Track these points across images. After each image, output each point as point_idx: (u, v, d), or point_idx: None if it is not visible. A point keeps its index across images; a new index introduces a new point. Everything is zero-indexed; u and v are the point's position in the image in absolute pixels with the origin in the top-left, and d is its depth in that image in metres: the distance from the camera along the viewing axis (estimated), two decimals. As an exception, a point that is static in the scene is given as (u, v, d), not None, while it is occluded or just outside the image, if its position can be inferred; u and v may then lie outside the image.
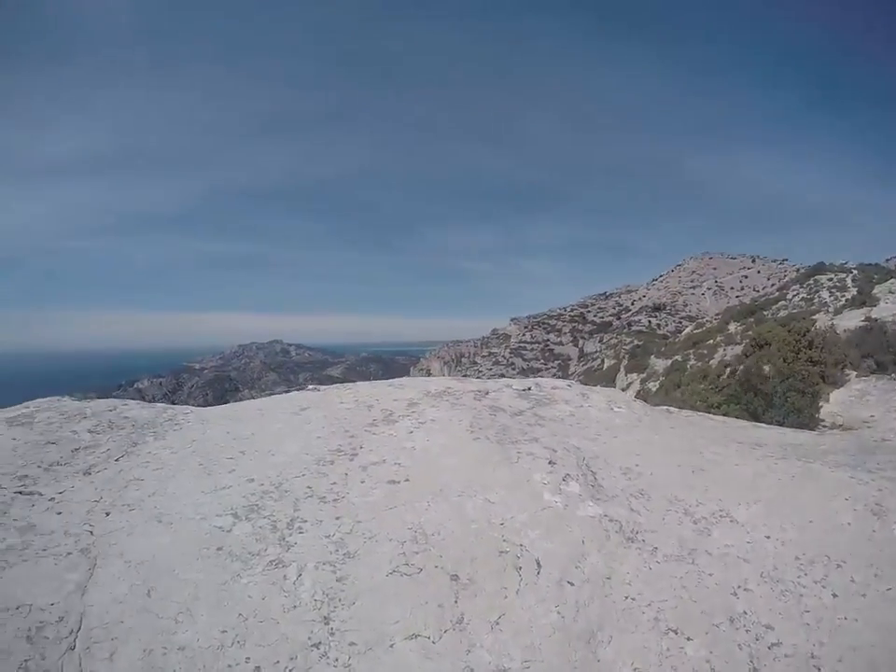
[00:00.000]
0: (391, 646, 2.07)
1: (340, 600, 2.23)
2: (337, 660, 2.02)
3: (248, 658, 2.00)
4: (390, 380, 4.87)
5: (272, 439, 3.58)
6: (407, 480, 3.00)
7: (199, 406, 4.86)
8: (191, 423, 3.94)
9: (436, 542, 2.54)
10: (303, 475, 3.09)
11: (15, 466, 3.16)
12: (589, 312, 79.71)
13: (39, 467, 3.18)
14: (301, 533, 2.60)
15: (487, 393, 4.19)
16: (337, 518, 2.70)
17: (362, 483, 2.99)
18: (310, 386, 4.54)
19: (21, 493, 2.92)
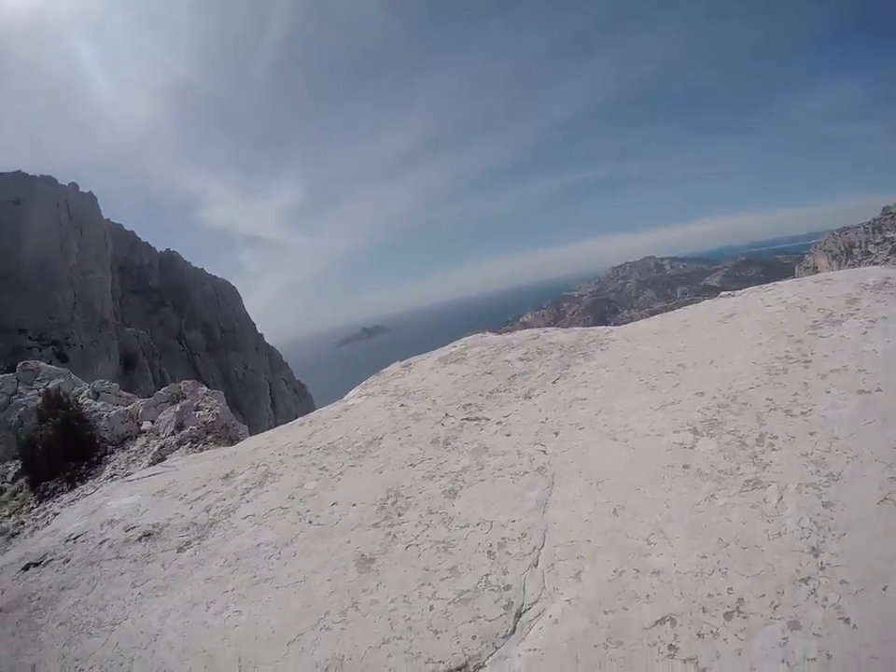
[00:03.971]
0: (884, 588, 1.72)
1: (829, 529, 1.92)
2: (826, 599, 1.71)
3: (731, 588, 1.85)
4: (814, 275, 4.21)
5: (708, 349, 3.39)
6: (878, 389, 2.46)
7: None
8: (617, 341, 4.00)
9: None
10: (757, 386, 2.82)
11: (458, 396, 3.71)
12: None
13: (481, 395, 3.65)
14: (773, 450, 2.34)
15: None
16: (811, 434, 2.35)
17: (827, 392, 2.58)
18: (723, 293, 4.33)
19: (468, 419, 3.40)
